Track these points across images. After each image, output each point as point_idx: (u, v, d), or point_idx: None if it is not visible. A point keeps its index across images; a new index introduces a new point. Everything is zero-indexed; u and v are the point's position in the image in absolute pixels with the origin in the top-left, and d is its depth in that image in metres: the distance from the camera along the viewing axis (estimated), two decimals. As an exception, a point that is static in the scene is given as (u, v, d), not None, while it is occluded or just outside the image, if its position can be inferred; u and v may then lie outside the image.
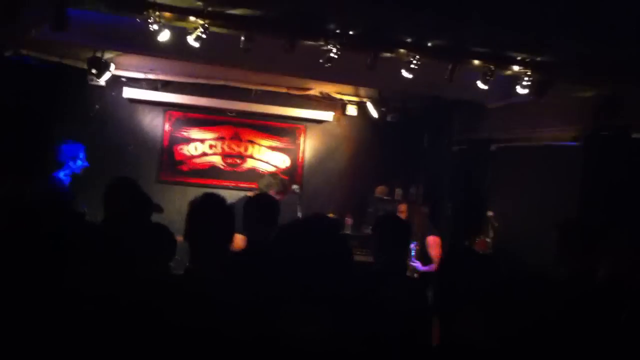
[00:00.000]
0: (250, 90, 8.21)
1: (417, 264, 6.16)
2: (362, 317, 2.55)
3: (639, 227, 5.27)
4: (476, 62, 5.51)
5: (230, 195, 7.19)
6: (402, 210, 6.89)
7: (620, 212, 5.36)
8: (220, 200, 3.16)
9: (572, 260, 3.69)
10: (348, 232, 8.13)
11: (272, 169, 8.46)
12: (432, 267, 6.15)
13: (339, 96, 8.58)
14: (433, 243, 6.40)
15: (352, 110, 8.69)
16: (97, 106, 7.79)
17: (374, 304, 2.91)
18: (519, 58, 5.49)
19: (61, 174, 5.81)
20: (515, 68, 5.57)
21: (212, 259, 2.89)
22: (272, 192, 6.47)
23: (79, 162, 5.79)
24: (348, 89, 8.36)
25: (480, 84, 5.67)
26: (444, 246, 6.40)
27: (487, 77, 5.59)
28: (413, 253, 6.07)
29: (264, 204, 4.23)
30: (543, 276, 2.37)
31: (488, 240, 7.12)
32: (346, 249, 2.28)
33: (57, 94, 7.34)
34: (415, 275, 5.99)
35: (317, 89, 8.36)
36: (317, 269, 2.12)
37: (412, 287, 3.83)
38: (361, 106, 8.63)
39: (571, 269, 3.67)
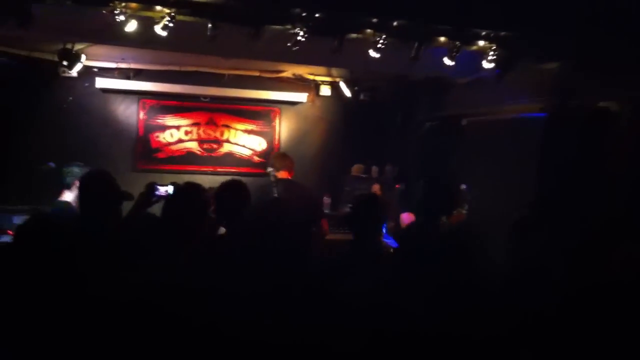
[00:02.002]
0: (223, 75, 8.23)
1: (390, 241, 6.28)
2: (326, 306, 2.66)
3: (602, 194, 5.43)
4: (442, 39, 5.61)
5: (209, 181, 7.37)
6: (376, 190, 7.00)
7: (584, 181, 5.51)
8: (192, 188, 3.28)
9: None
10: (326, 211, 8.25)
11: (249, 153, 8.53)
12: None
13: (311, 77, 8.62)
14: (407, 220, 6.53)
15: (325, 91, 8.74)
16: (70, 98, 7.79)
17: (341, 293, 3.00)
18: (483, 33, 5.59)
19: (67, 198, 5.74)
20: (480, 43, 5.68)
21: (184, 245, 3.00)
22: (285, 174, 6.50)
23: None
24: (320, 69, 8.41)
25: (447, 61, 5.78)
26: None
27: (453, 54, 5.70)
28: (385, 231, 6.19)
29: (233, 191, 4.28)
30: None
31: (463, 212, 7.26)
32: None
33: (28, 88, 7.35)
34: (391, 251, 6.12)
35: (290, 71, 8.40)
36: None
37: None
38: (334, 86, 8.69)
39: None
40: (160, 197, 4.11)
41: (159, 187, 4.13)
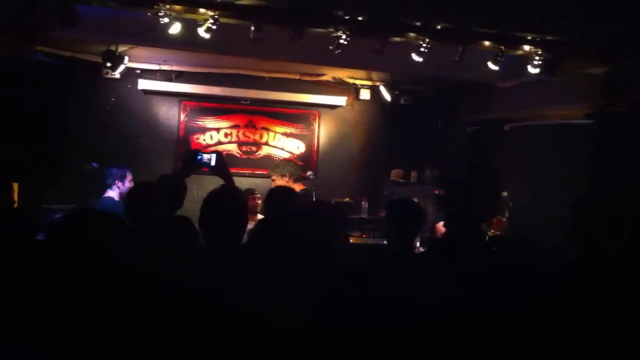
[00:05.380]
0: (263, 77, 8.25)
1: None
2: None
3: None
4: (486, 43, 5.52)
5: (248, 183, 7.42)
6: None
7: (632, 188, 5.37)
8: (231, 192, 3.29)
9: (585, 239, 3.76)
10: (364, 215, 8.21)
11: (288, 155, 8.52)
12: None
13: (351, 81, 8.60)
14: (442, 229, 6.44)
15: (365, 95, 8.70)
16: (112, 99, 7.89)
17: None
18: (528, 38, 5.50)
19: (111, 195, 5.81)
20: (526, 48, 5.58)
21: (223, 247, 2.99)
22: (287, 180, 6.53)
23: (127, 183, 5.81)
24: (360, 73, 8.37)
25: (491, 65, 5.69)
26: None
27: (498, 58, 5.60)
28: (418, 239, 6.09)
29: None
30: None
31: (504, 219, 7.14)
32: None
33: (72, 89, 7.44)
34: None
35: (330, 74, 8.39)
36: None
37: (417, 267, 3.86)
38: (374, 90, 8.65)
39: (584, 248, 3.74)
40: (203, 164, 4.13)
41: (202, 153, 4.14)
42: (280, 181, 6.51)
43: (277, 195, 4.48)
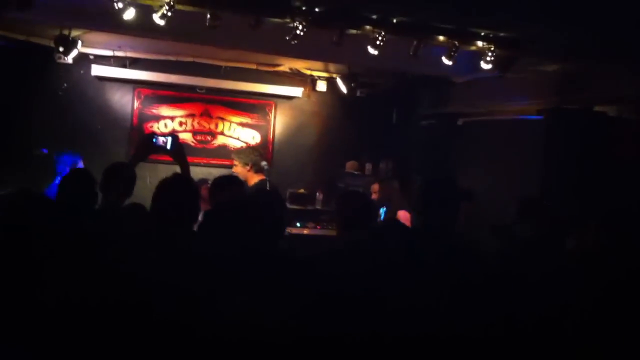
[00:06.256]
0: (220, 66, 8.18)
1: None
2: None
3: (601, 199, 5.42)
4: (441, 38, 5.58)
5: (202, 173, 7.34)
6: (375, 191, 6.93)
7: (581, 184, 5.51)
8: (184, 179, 3.27)
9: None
10: (318, 207, 8.24)
11: (243, 145, 8.47)
12: None
13: (308, 72, 8.59)
14: (404, 218, 6.49)
15: (321, 86, 8.71)
16: (65, 84, 7.73)
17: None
18: (482, 34, 5.57)
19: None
20: (479, 44, 5.66)
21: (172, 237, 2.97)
22: (248, 169, 6.39)
23: None
24: (317, 64, 8.37)
25: (445, 60, 5.76)
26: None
27: (452, 53, 5.68)
28: (382, 218, 6.15)
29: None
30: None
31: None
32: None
33: (24, 73, 7.28)
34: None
35: (287, 65, 8.37)
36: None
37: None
38: (331, 82, 8.66)
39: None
40: (159, 147, 4.05)
41: (158, 136, 4.06)
42: (242, 168, 6.38)
43: (219, 184, 4.37)
